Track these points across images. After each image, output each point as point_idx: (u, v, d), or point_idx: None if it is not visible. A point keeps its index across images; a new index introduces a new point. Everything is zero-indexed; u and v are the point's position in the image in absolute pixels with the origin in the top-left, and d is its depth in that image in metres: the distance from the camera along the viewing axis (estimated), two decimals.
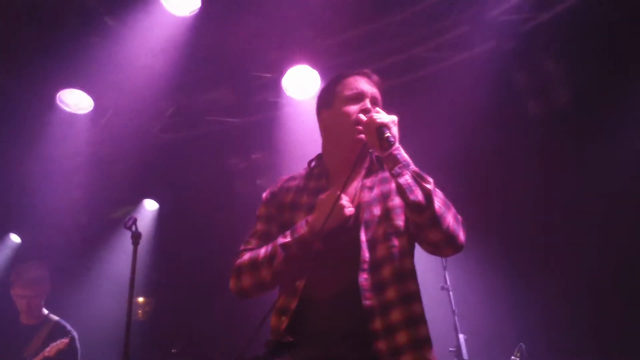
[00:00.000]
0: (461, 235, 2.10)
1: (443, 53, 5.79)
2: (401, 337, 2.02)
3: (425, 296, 2.20)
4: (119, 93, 6.12)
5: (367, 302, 2.05)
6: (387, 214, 2.20)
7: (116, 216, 7.31)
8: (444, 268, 4.59)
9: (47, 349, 4.39)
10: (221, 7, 5.27)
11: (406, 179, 2.06)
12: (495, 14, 5.27)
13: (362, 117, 2.28)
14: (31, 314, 4.70)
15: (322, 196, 2.23)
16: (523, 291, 5.34)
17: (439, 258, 4.46)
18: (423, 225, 2.06)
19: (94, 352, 5.16)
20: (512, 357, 4.40)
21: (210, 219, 7.02)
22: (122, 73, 5.72)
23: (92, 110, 6.07)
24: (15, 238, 7.32)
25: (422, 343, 2.06)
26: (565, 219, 5.42)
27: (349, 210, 2.18)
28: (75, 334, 4.64)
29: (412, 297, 2.12)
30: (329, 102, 2.45)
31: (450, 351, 4.38)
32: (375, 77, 2.46)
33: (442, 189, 2.13)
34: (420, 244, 2.17)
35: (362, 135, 2.26)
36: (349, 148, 2.34)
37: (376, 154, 2.35)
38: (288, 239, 2.20)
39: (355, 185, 2.32)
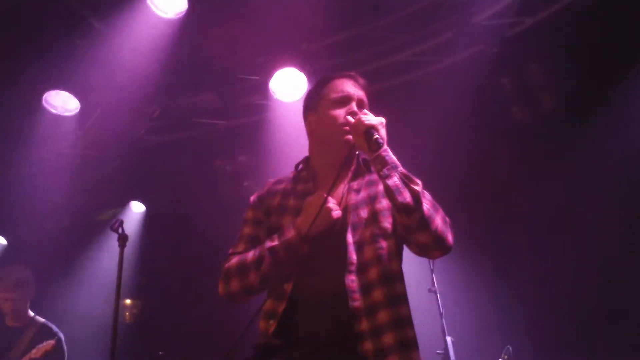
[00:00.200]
0: (449, 237, 2.10)
1: (428, 58, 5.81)
2: (388, 339, 2.02)
3: (413, 299, 2.21)
4: (106, 95, 6.10)
5: (354, 304, 2.05)
6: (374, 216, 2.20)
7: (103, 218, 7.27)
8: (432, 271, 4.59)
9: (34, 351, 4.35)
10: (208, 9, 5.25)
11: (395, 180, 2.06)
12: (480, 19, 5.30)
13: (350, 118, 2.26)
14: (16, 317, 4.66)
15: (309, 199, 2.23)
16: (510, 293, 5.36)
17: (426, 261, 4.47)
18: (411, 227, 2.05)
19: (80, 354, 5.14)
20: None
21: (197, 221, 7.00)
22: (108, 75, 5.70)
23: (78, 112, 6.02)
24: (1, 240, 7.25)
25: (409, 345, 2.06)
26: (551, 222, 5.45)
27: (336, 212, 2.18)
28: (61, 335, 4.61)
29: (399, 299, 2.12)
30: (316, 104, 2.44)
31: (438, 354, 4.37)
32: (361, 80, 2.46)
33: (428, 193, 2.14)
34: (409, 246, 2.17)
35: (350, 137, 2.26)
36: (336, 150, 2.34)
37: (364, 155, 2.36)
38: (275, 242, 2.19)
39: (342, 187, 2.32)
